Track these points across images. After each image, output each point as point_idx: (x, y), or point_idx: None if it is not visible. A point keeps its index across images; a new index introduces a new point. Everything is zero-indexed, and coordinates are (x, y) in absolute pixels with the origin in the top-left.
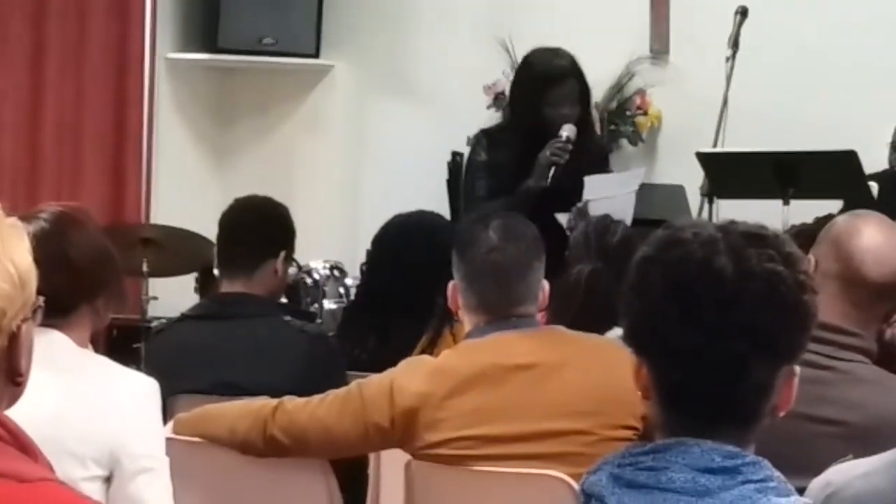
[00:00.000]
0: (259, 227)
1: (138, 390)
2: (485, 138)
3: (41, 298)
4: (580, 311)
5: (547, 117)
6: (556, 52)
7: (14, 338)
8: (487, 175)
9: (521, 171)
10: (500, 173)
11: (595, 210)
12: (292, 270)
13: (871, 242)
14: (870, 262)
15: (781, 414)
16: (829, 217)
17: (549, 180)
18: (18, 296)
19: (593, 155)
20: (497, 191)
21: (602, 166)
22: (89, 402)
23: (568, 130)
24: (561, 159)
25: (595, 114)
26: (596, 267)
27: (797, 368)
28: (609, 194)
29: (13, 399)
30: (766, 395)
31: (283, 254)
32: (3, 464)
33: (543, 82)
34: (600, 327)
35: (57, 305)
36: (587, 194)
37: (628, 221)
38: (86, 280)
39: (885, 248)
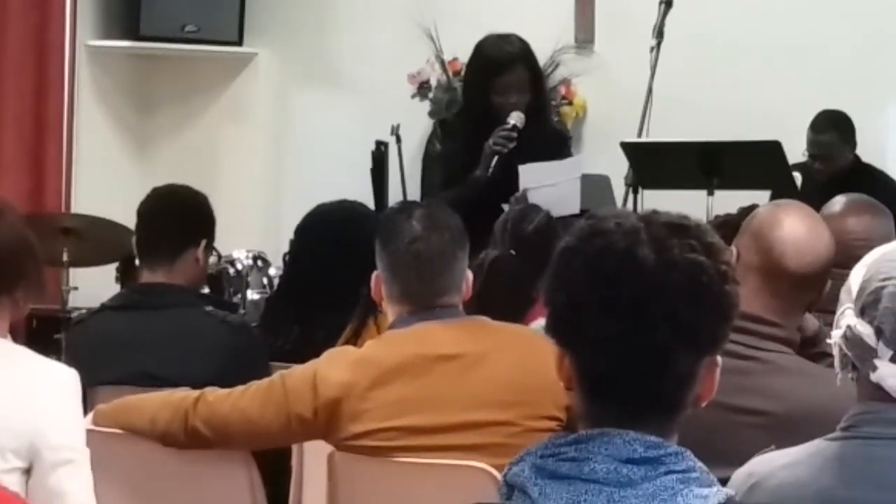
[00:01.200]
0: (179, 216)
1: (58, 381)
2: (440, 128)
3: None
4: (481, 296)
5: (495, 105)
6: (506, 39)
7: None
8: (441, 165)
9: (472, 159)
10: (453, 163)
11: (536, 199)
12: (213, 259)
13: (791, 233)
14: (790, 252)
15: (703, 404)
16: (754, 207)
17: (491, 169)
18: None
19: (550, 141)
20: (450, 181)
21: (562, 153)
22: (8, 392)
23: (515, 118)
24: (504, 148)
25: None
26: (503, 253)
27: (719, 358)
28: (549, 182)
29: None
30: (688, 386)
31: (203, 242)
32: None
33: (490, 70)
34: (503, 313)
35: None
36: (524, 183)
37: (576, 209)
38: (4, 270)
39: (805, 239)
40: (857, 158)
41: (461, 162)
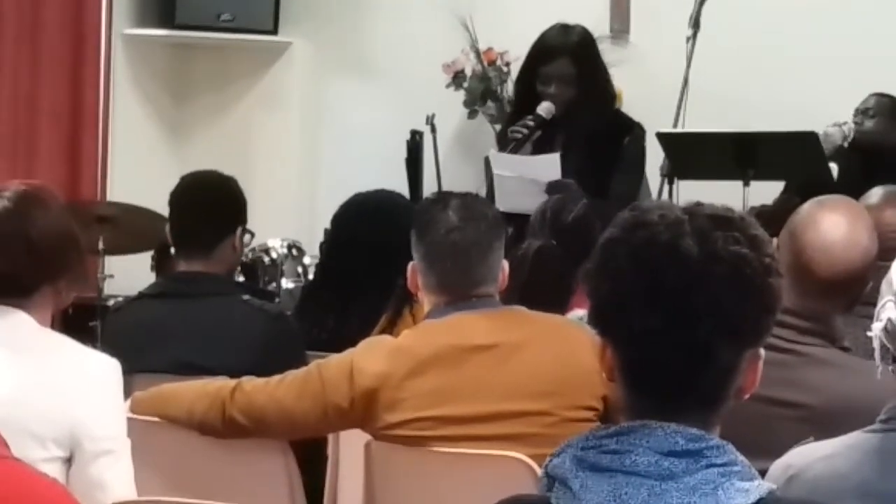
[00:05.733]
0: (215, 206)
1: (100, 371)
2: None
3: None
4: (526, 286)
5: (538, 93)
6: (566, 30)
7: None
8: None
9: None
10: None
11: (501, 187)
12: (247, 238)
13: (824, 238)
14: (819, 259)
15: (746, 396)
16: (790, 199)
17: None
18: None
19: (610, 133)
20: None
21: (625, 145)
22: (51, 382)
23: (543, 109)
24: (518, 134)
25: None
26: (545, 243)
27: (762, 351)
28: (516, 173)
29: None
30: (730, 378)
31: (240, 230)
32: None
33: (537, 58)
34: (547, 303)
35: (18, 285)
36: (495, 168)
37: (530, 210)
38: (47, 261)
39: (839, 246)
40: None
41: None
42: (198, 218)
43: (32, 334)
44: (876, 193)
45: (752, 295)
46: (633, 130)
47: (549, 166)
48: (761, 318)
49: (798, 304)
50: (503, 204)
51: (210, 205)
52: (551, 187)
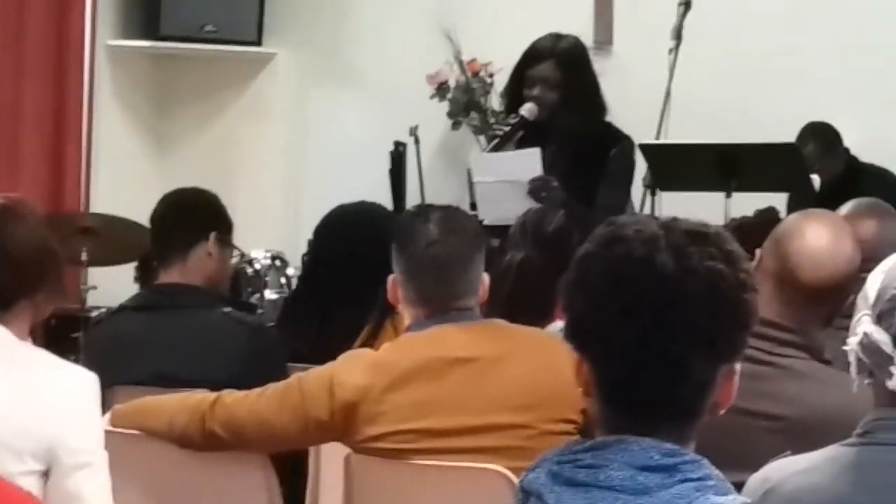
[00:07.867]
0: (185, 213)
1: (78, 385)
2: None
3: None
4: (510, 298)
5: (524, 97)
6: (556, 36)
7: None
8: None
9: None
10: None
11: (482, 195)
12: (235, 259)
13: (810, 245)
14: (805, 264)
15: (721, 412)
16: (770, 210)
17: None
18: None
19: (596, 142)
20: None
21: (610, 156)
22: (28, 395)
23: (525, 110)
24: (500, 131)
25: None
26: (528, 255)
27: (738, 366)
28: (498, 177)
29: None
30: (706, 393)
31: (213, 235)
32: None
33: (524, 61)
34: (531, 315)
35: None
36: (475, 174)
37: (511, 220)
38: (25, 274)
39: (823, 253)
40: (850, 162)
41: None
42: (169, 228)
43: (10, 347)
44: (844, 208)
45: (727, 310)
46: (622, 142)
47: (529, 162)
48: (736, 333)
49: (780, 313)
50: (486, 216)
51: (180, 213)
52: (533, 185)
